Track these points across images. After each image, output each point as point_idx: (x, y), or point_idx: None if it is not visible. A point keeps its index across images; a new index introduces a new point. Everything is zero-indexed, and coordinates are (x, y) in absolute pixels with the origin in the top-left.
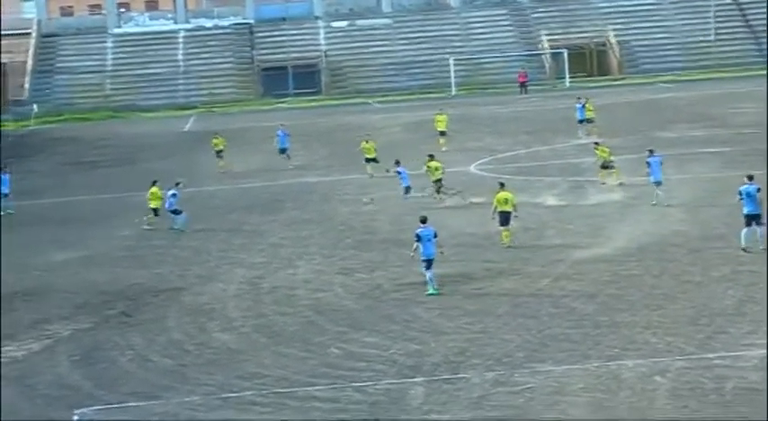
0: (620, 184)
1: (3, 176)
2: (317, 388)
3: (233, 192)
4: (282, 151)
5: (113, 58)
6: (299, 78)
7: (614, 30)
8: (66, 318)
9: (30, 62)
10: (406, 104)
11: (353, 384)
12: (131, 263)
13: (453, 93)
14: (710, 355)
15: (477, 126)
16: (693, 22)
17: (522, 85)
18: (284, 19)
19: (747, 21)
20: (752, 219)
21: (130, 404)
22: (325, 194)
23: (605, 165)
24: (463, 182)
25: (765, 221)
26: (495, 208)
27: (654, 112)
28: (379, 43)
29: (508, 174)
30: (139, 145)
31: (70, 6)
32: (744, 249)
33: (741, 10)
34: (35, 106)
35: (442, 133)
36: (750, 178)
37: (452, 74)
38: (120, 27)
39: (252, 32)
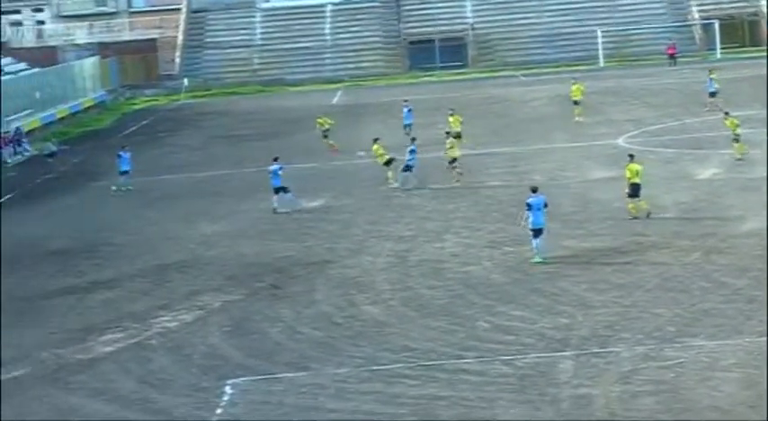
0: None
1: (123, 155)
2: (465, 361)
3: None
4: (406, 127)
5: (262, 33)
6: (446, 52)
7: None
8: (218, 290)
9: (180, 37)
10: (553, 77)
11: (502, 357)
12: (280, 236)
13: (601, 65)
14: None
15: (626, 98)
16: None
17: (671, 56)
18: None
19: None
20: None
21: (281, 375)
22: (472, 167)
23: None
24: (612, 155)
25: None
26: (628, 179)
27: None
28: (526, 15)
29: (657, 146)
30: (287, 119)
31: None
32: None
33: None
34: (185, 80)
35: (576, 102)
36: None
37: (600, 46)
38: (268, 1)
39: (399, 6)
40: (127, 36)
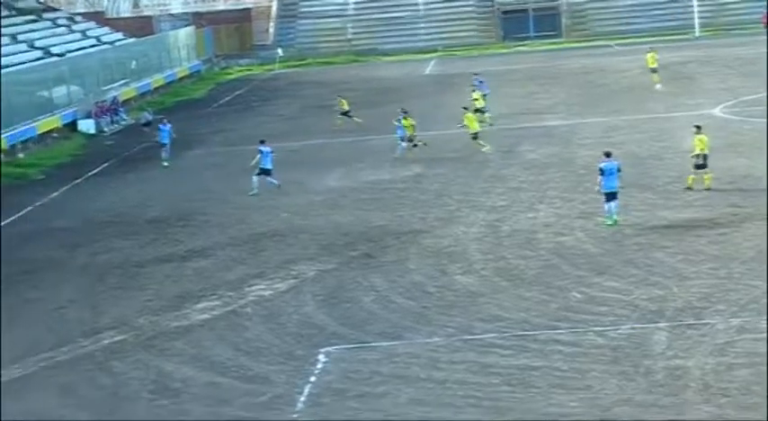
0: None
1: (163, 128)
2: (558, 331)
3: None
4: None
5: (355, 3)
6: (540, 21)
7: None
8: (312, 259)
9: (274, 7)
10: (648, 46)
11: (595, 328)
12: (373, 205)
13: (697, 34)
14: None
15: (722, 68)
16: None
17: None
18: None
19: None
20: None
21: (374, 344)
22: (565, 138)
23: None
24: (708, 125)
25: None
26: (701, 150)
27: None
28: None
29: (754, 116)
30: (380, 88)
31: None
32: None
33: None
34: (280, 50)
35: (654, 70)
36: None
37: (696, 15)
38: None
39: None
40: (221, 6)
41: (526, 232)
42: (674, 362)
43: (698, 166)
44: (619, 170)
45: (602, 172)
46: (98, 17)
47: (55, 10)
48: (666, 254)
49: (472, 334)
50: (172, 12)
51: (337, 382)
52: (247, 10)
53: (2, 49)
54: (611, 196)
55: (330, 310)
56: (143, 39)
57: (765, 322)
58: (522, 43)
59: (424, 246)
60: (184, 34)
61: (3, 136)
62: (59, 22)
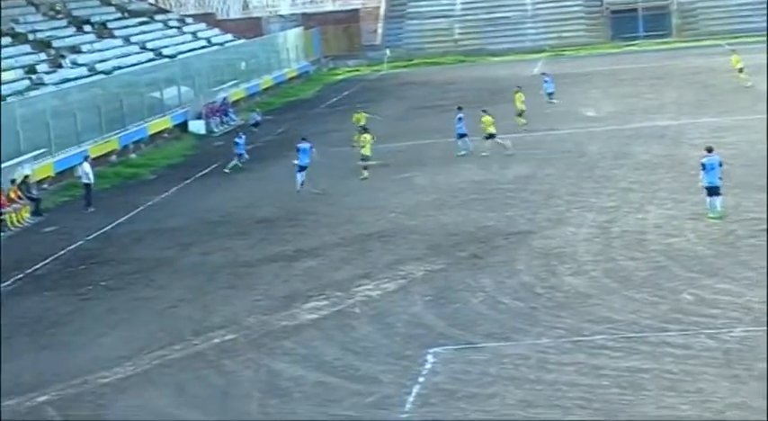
0: None
1: (238, 140)
2: (668, 333)
3: (584, 135)
4: (549, 95)
5: (462, 3)
6: (649, 21)
7: None
8: (420, 259)
9: (382, 8)
10: (760, 46)
11: (706, 331)
12: (481, 205)
13: None
14: None
15: None
16: None
17: None
18: None
19: None
20: None
21: (482, 344)
22: (676, 138)
23: None
24: None
25: None
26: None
27: None
28: None
29: None
30: (487, 89)
31: None
32: None
33: None
34: (387, 51)
35: (740, 70)
36: None
37: None
38: None
39: None
40: (330, 7)
41: (636, 233)
42: None
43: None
44: (720, 165)
45: (703, 167)
46: (208, 19)
47: (166, 12)
48: None
49: (581, 335)
50: (281, 13)
51: (446, 383)
52: (355, 11)
53: (111, 51)
54: (713, 191)
55: (438, 311)
56: (252, 40)
57: None
58: (631, 43)
59: (532, 246)
60: (293, 35)
61: (117, 137)
62: (170, 23)
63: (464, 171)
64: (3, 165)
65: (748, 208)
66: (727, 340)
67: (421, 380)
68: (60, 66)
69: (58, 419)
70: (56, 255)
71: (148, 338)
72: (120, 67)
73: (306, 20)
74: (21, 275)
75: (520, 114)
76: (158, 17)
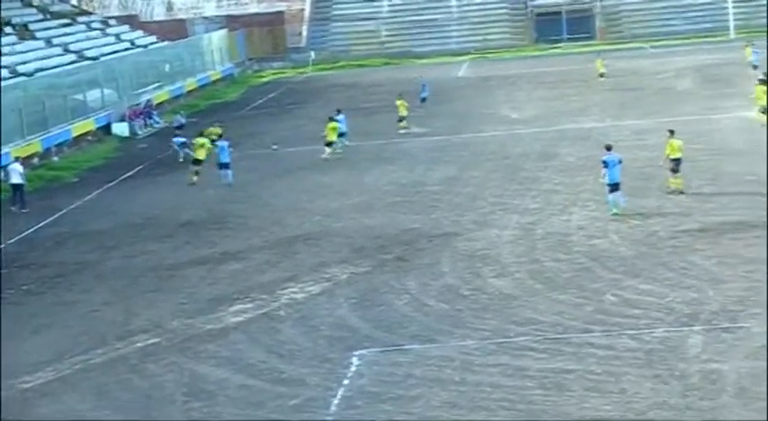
0: None
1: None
2: (592, 334)
3: (508, 137)
4: (423, 100)
5: (389, 5)
6: (573, 23)
7: None
8: (345, 262)
9: (307, 10)
10: (683, 49)
11: (629, 331)
12: (406, 208)
13: (732, 36)
14: None
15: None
16: None
17: None
18: None
19: None
20: None
21: (407, 347)
22: (599, 140)
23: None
24: (744, 128)
25: None
26: (667, 155)
27: None
28: None
29: None
30: (414, 91)
31: None
32: None
33: None
34: (312, 53)
35: (601, 75)
36: None
37: (731, 17)
38: None
39: None
40: (254, 9)
41: (560, 235)
42: (709, 365)
43: (673, 170)
44: (620, 162)
45: (605, 164)
46: (132, 21)
47: (89, 14)
48: (701, 257)
49: (506, 337)
50: (205, 15)
51: (371, 385)
52: (280, 13)
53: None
54: (615, 187)
55: (363, 313)
56: (176, 42)
57: None
58: (555, 46)
59: (457, 248)
60: (217, 37)
61: (39, 139)
62: (93, 25)
63: (390, 173)
64: None
65: (669, 209)
66: (649, 340)
67: (346, 382)
68: None
69: None
70: None
71: (71, 342)
72: (42, 70)
73: (230, 22)
74: None
75: (401, 120)
76: (81, 19)
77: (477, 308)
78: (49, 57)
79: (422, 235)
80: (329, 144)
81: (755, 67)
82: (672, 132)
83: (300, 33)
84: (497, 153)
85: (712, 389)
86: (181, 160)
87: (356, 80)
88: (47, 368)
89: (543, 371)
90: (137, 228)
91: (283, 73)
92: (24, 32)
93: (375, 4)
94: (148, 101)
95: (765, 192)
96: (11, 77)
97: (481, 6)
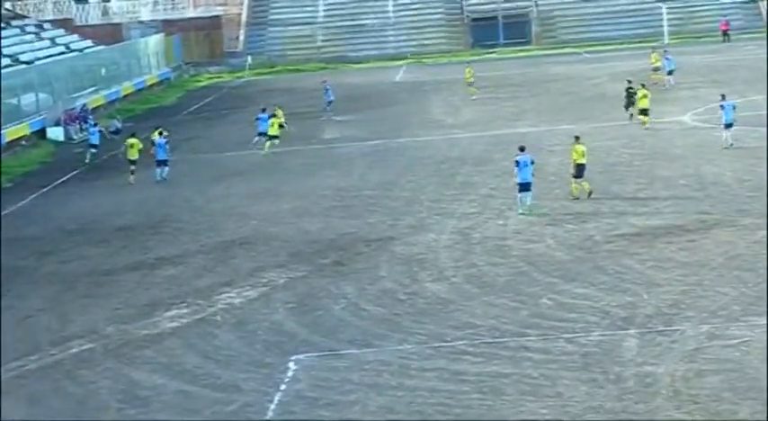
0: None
1: (160, 142)
2: (528, 338)
3: (445, 142)
4: (329, 103)
5: (325, 10)
6: (509, 28)
7: None
8: (282, 266)
9: (244, 14)
10: (617, 54)
11: (565, 335)
12: (343, 212)
13: (666, 41)
14: None
15: (691, 75)
16: None
17: (725, 33)
18: None
19: None
20: None
21: (344, 351)
22: (535, 145)
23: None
24: (677, 132)
25: None
26: (574, 160)
27: None
28: None
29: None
30: (351, 96)
31: None
32: None
33: None
34: (249, 58)
35: (470, 84)
36: None
37: (665, 22)
38: None
39: None
40: (191, 13)
41: (496, 239)
42: (644, 368)
43: (574, 176)
44: (532, 163)
45: (517, 164)
46: (67, 24)
47: (23, 17)
48: (636, 260)
49: (443, 341)
50: (141, 19)
51: (307, 390)
52: (217, 17)
53: None
54: (525, 187)
55: (300, 318)
56: (112, 46)
57: (734, 329)
58: (491, 50)
59: (394, 253)
60: (153, 41)
61: None
62: (28, 29)
63: (326, 178)
64: None
65: (604, 214)
66: (585, 344)
67: (283, 387)
68: None
69: None
70: None
71: (4, 349)
72: None
73: (167, 26)
74: None
75: (281, 126)
76: (15, 23)
77: (414, 312)
78: None
79: (359, 239)
80: (272, 137)
81: (671, 73)
82: (577, 138)
83: (237, 38)
84: (434, 157)
85: (647, 392)
86: (87, 161)
87: (293, 85)
88: None
89: (480, 375)
90: (72, 233)
91: (220, 77)
92: None
93: (311, 8)
94: (84, 105)
95: (766, 191)
96: None
97: (417, 11)
